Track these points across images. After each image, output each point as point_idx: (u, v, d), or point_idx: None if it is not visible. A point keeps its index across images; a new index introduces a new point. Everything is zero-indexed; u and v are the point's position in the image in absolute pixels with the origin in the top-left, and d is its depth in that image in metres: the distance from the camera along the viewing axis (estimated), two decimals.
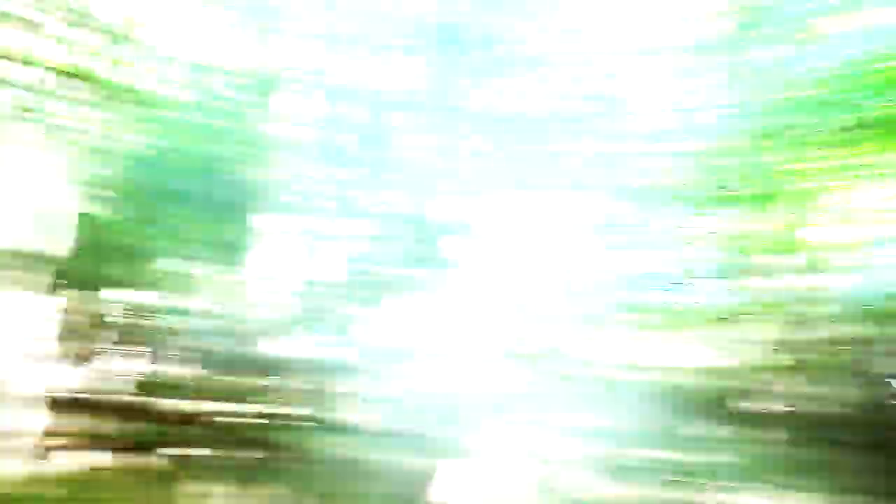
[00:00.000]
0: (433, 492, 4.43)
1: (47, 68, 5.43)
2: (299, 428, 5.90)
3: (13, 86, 5.45)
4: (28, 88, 5.49)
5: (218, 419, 6.11)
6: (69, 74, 5.57)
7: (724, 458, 4.24)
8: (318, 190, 5.67)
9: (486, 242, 5.13)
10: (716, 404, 4.40)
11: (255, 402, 5.00)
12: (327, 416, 5.76)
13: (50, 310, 6.61)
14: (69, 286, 6.61)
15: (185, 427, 5.82)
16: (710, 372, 4.63)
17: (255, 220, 6.00)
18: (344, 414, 6.81)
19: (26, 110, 5.43)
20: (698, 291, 4.62)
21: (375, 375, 5.66)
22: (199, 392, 6.89)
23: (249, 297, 5.97)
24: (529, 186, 5.44)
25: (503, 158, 5.27)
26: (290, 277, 4.25)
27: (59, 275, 6.77)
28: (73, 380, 5.38)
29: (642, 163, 5.06)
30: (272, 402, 4.86)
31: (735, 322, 4.50)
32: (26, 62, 5.33)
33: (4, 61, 5.72)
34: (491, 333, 5.00)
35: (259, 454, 3.71)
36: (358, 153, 5.40)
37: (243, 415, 5.69)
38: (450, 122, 5.00)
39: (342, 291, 5.86)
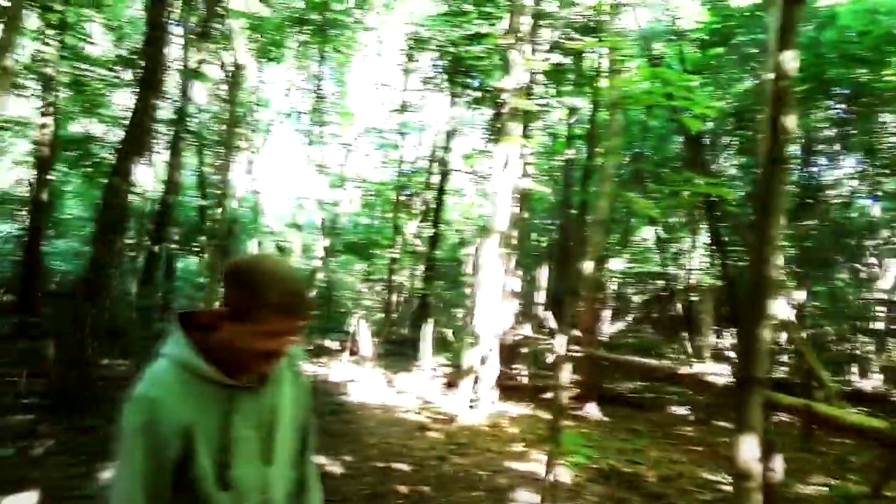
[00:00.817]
0: None
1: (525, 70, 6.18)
2: (795, 389, 5.74)
3: (499, 90, 6.36)
4: (507, 91, 6.31)
5: (696, 378, 6.25)
6: (546, 74, 6.27)
7: None
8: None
9: None
10: None
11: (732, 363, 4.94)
12: (825, 379, 5.51)
13: (538, 281, 7.68)
14: (549, 260, 7.56)
15: (673, 384, 6.16)
16: None
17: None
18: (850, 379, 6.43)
19: (511, 111, 6.25)
20: None
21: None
22: (672, 353, 7.27)
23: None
24: None
25: None
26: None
27: (541, 250, 7.79)
28: (568, 341, 5.95)
29: None
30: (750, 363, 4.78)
31: None
32: (506, 69, 6.12)
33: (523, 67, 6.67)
34: None
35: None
36: None
37: (718, 374, 5.72)
38: None
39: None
